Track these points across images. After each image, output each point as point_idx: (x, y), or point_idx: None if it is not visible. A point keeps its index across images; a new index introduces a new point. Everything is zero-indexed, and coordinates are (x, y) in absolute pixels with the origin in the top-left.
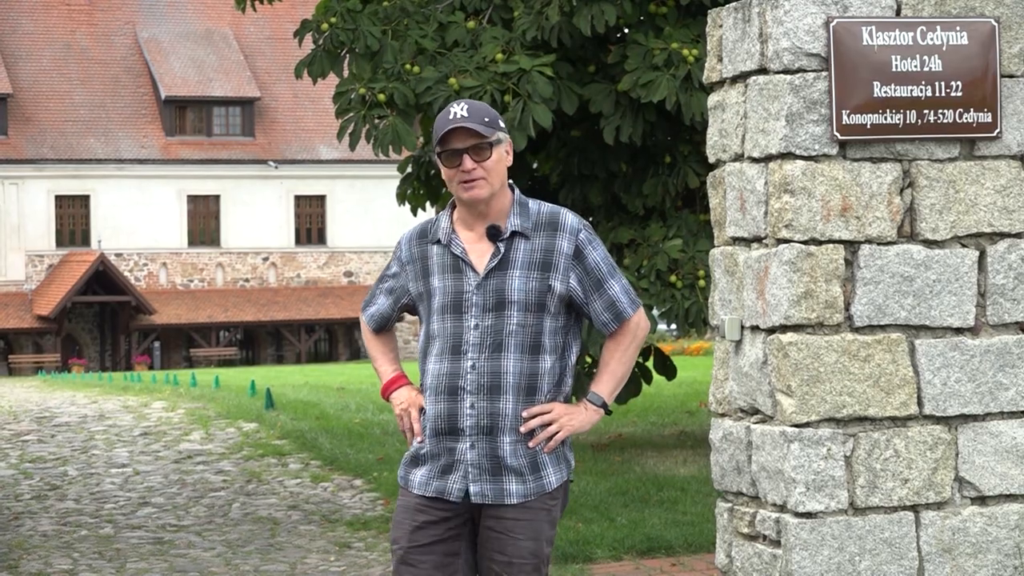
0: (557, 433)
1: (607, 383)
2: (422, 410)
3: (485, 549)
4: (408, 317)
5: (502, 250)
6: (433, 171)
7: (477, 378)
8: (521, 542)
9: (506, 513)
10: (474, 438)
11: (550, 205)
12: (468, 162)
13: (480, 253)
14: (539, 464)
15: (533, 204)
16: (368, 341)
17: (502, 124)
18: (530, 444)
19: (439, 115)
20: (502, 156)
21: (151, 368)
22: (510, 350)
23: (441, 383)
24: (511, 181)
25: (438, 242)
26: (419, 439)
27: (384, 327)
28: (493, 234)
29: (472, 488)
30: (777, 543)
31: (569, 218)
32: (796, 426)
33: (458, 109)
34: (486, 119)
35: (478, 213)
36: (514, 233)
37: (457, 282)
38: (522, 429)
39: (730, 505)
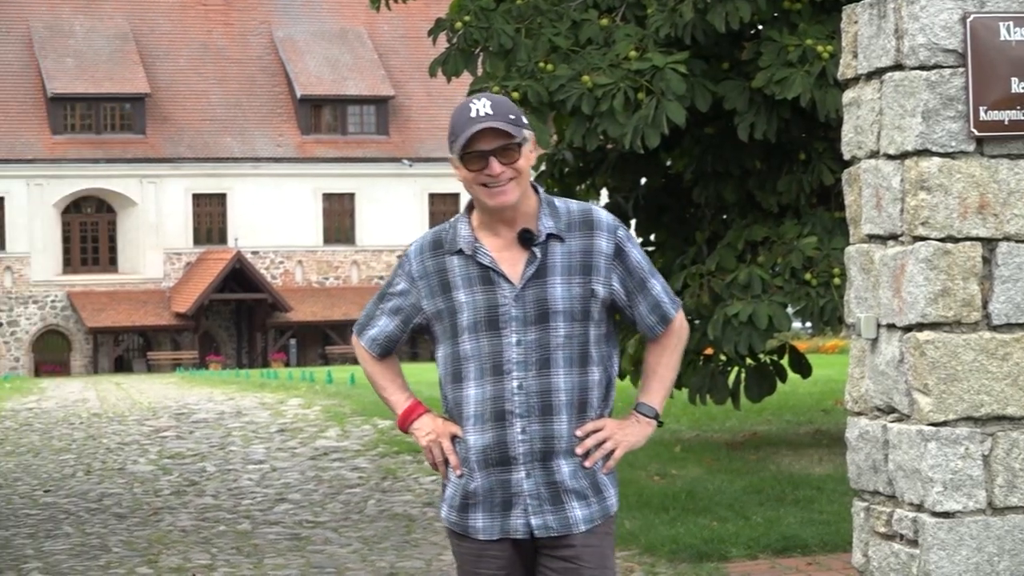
0: (614, 451)
1: (657, 391)
2: (454, 438)
3: None
4: None
5: (538, 256)
6: (567, 168)
7: (525, 399)
8: (590, 571)
9: (572, 541)
10: (528, 466)
11: (579, 203)
12: (496, 165)
13: (512, 261)
14: (600, 485)
15: (560, 203)
16: (369, 368)
17: (525, 121)
18: (586, 463)
19: (457, 112)
20: (529, 156)
21: (287, 365)
22: (559, 365)
23: (485, 408)
24: (534, 183)
25: (459, 252)
26: (458, 472)
27: (390, 352)
28: (527, 239)
29: (534, 521)
30: (914, 543)
31: (603, 215)
32: (933, 425)
33: (480, 106)
34: (511, 116)
35: (504, 218)
36: (549, 236)
37: (489, 295)
38: (578, 450)
39: (867, 504)
